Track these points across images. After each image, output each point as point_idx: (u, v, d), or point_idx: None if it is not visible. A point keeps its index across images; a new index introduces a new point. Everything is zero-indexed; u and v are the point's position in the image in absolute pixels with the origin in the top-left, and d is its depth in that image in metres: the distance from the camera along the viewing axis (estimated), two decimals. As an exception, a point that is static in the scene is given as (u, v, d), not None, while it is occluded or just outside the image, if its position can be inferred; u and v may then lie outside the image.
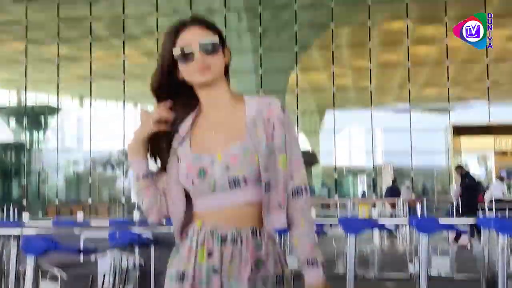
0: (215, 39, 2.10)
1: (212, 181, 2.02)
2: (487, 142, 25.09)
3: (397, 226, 8.00)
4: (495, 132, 24.86)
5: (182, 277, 2.02)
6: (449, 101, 26.07)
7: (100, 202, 29.19)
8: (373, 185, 27.18)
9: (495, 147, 25.24)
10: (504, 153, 26.55)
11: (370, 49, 26.39)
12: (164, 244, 3.96)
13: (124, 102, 28.27)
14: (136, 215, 16.11)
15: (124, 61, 27.69)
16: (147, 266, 3.88)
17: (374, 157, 27.18)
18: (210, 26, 2.13)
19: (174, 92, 2.14)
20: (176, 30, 2.11)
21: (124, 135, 28.43)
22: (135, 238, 4.06)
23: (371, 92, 26.29)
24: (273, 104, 2.12)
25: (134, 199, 17.94)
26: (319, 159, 27.64)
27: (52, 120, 30.24)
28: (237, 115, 2.11)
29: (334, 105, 26.70)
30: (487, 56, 25.39)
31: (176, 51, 2.08)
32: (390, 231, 4.16)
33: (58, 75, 28.04)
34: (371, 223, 4.40)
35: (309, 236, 2.09)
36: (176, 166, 2.08)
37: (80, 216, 16.15)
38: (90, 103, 28.55)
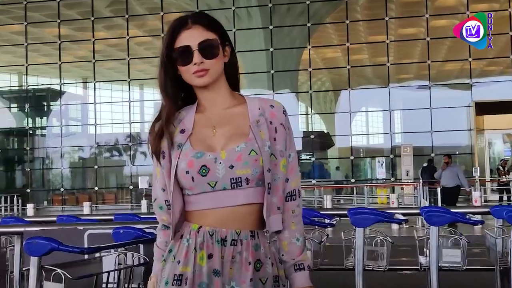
0: (215, 40, 2.15)
1: (214, 179, 2.06)
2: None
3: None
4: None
5: (180, 281, 2.08)
6: (471, 77, 25.97)
7: (106, 189, 29.42)
8: (392, 167, 27.19)
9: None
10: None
11: (387, 22, 26.28)
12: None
13: (129, 83, 28.38)
14: (144, 204, 16.40)
15: (128, 41, 27.76)
16: (151, 262, 4.00)
17: (392, 137, 27.14)
18: (211, 26, 2.17)
19: (178, 88, 2.21)
20: (177, 29, 2.15)
21: (130, 118, 28.59)
22: (140, 235, 4.19)
23: (388, 68, 26.22)
24: (275, 107, 2.20)
25: (141, 185, 18.14)
26: (334, 141, 27.66)
27: (55, 104, 30.40)
28: (239, 115, 2.17)
29: (349, 84, 26.65)
30: (511, 28, 25.23)
31: (175, 51, 2.14)
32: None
33: (60, 57, 28.17)
34: (380, 216, 4.51)
35: (299, 240, 2.18)
36: (175, 161, 2.11)
37: (86, 208, 16.47)
38: (94, 86, 28.65)
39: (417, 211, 5.24)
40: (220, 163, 2.07)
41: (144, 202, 16.56)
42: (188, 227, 2.11)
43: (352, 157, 26.48)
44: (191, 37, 2.13)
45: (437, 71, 27.10)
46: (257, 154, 2.08)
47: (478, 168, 22.73)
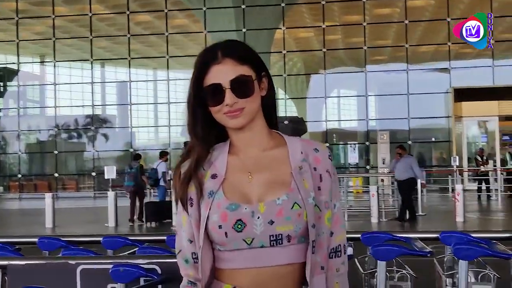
0: (249, 76, 1.95)
1: (251, 235, 1.88)
2: (491, 106, 25.07)
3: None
4: (500, 95, 24.82)
5: None
6: (449, 60, 26.03)
7: (67, 175, 28.86)
8: (366, 153, 27.22)
9: (500, 112, 25.25)
10: (508, 118, 26.66)
11: (364, 3, 26.14)
12: (174, 280, 3.77)
13: (91, 63, 27.78)
14: (111, 196, 15.95)
15: (90, 18, 27.12)
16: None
17: (368, 123, 27.12)
18: (245, 57, 1.97)
19: (209, 127, 2.00)
20: (206, 63, 1.95)
21: (92, 99, 28.08)
22: (142, 274, 3.89)
23: (365, 52, 26.14)
24: (320, 151, 2.01)
25: (107, 175, 17.68)
26: (306, 126, 27.52)
27: (11, 85, 29.69)
28: (278, 159, 1.97)
29: (325, 67, 26.49)
30: (491, 9, 25.26)
31: (206, 88, 1.94)
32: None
33: (17, 34, 27.43)
34: (405, 249, 4.29)
35: None
36: (205, 213, 1.91)
37: (48, 200, 15.99)
38: (54, 65, 27.95)
39: (436, 235, 5.01)
40: (258, 217, 1.88)
41: (111, 194, 16.11)
42: (219, 287, 1.94)
43: (327, 144, 26.40)
44: (222, 74, 1.94)
45: (413, 53, 27.03)
46: (301, 207, 1.89)
47: (457, 157, 22.81)
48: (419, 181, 16.00)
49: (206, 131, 2.00)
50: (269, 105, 2.04)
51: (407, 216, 15.40)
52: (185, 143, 17.03)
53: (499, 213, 18.15)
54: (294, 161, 1.96)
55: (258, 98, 1.98)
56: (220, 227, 1.88)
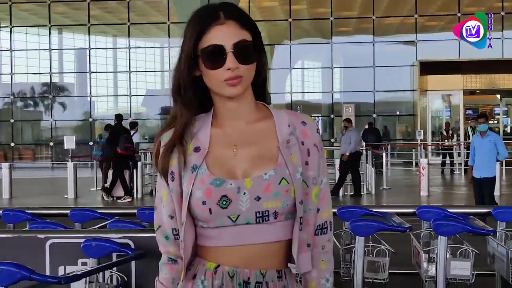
0: (251, 41, 1.87)
1: (236, 212, 1.82)
2: (456, 80, 25.29)
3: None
4: (464, 70, 25.06)
5: None
6: (416, 33, 26.14)
7: (24, 145, 28.37)
8: (330, 126, 27.31)
9: (464, 86, 25.51)
10: (472, 92, 27.00)
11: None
12: (150, 255, 3.72)
13: (49, 29, 27.18)
14: (70, 166, 15.71)
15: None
16: (127, 281, 3.65)
17: (333, 96, 27.19)
18: (247, 23, 1.89)
19: (193, 92, 1.91)
20: (206, 22, 1.85)
21: (50, 65, 27.58)
22: (116, 249, 3.80)
23: (332, 22, 26.06)
24: (308, 124, 1.96)
25: (66, 145, 17.40)
26: (271, 97, 27.45)
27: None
28: (264, 132, 1.92)
29: (290, 37, 26.39)
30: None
31: (204, 48, 1.84)
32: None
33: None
34: (384, 224, 4.28)
35: (328, 281, 1.98)
36: (188, 188, 1.84)
37: (5, 170, 15.71)
38: (10, 30, 27.29)
39: (413, 210, 5.02)
40: (244, 193, 1.83)
41: (70, 165, 15.88)
42: (202, 265, 1.88)
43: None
44: (225, 35, 1.84)
45: (379, 25, 27.08)
46: (288, 183, 1.84)
47: (422, 131, 23.01)
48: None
49: (193, 99, 1.92)
50: (260, 76, 1.96)
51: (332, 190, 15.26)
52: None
53: (462, 187, 18.41)
54: (281, 134, 1.90)
55: (255, 67, 1.90)
56: (204, 203, 1.82)
